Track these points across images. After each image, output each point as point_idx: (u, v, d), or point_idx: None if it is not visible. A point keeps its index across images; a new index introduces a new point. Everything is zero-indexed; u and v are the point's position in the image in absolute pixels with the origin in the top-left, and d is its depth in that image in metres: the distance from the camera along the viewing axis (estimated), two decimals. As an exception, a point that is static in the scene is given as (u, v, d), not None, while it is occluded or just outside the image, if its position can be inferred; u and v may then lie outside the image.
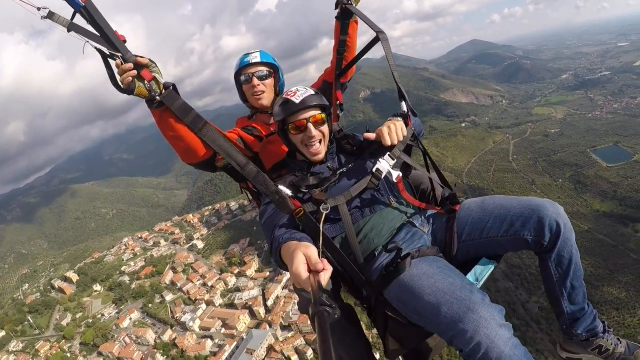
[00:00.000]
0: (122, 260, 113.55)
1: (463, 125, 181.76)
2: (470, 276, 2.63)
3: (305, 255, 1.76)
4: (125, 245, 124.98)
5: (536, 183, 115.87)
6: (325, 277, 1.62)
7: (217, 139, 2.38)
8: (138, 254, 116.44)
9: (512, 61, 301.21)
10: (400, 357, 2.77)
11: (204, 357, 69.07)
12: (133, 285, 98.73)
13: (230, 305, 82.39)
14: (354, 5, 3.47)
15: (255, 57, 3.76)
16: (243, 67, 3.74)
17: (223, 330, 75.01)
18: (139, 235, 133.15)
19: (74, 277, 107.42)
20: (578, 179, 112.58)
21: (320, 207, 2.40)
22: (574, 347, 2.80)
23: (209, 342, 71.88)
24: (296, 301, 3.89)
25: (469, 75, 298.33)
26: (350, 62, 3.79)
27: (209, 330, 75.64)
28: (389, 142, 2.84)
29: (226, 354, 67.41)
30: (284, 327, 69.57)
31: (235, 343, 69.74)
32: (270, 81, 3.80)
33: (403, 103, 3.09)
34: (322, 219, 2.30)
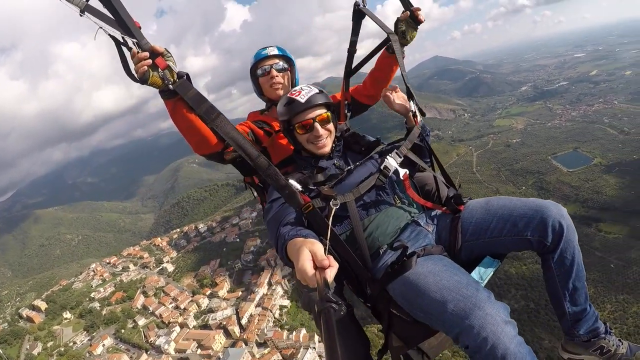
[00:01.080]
0: (91, 286, 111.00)
1: None
2: (474, 275, 2.69)
3: (311, 252, 1.74)
4: (94, 272, 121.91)
5: (500, 192, 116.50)
6: (331, 274, 1.60)
7: (230, 130, 2.27)
8: (107, 279, 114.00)
9: (473, 76, 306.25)
10: (401, 356, 2.78)
11: None
12: (104, 312, 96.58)
13: (205, 326, 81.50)
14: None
15: (273, 50, 3.79)
16: (261, 60, 3.76)
17: (199, 351, 73.87)
18: (107, 261, 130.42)
19: (43, 305, 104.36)
20: (541, 185, 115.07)
21: (330, 203, 2.46)
22: (575, 348, 2.84)
23: None
24: (299, 302, 3.96)
25: (432, 91, 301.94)
26: (361, 62, 3.85)
27: (185, 352, 74.46)
28: (394, 102, 3.20)
29: None
30: (260, 344, 69.33)
31: None
32: (287, 74, 3.82)
33: (412, 103, 3.21)
34: (332, 215, 2.32)
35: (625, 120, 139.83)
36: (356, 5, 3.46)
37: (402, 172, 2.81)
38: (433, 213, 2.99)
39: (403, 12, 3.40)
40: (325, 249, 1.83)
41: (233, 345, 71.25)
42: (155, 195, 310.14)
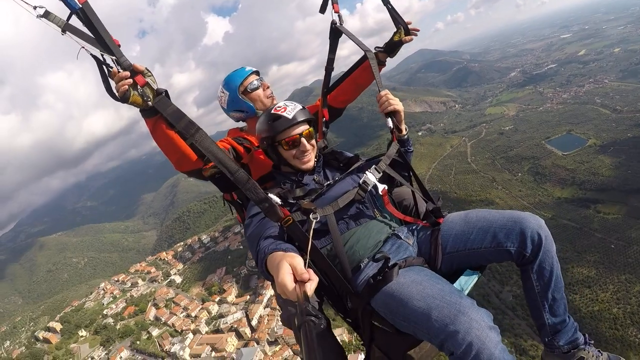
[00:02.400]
0: (103, 304, 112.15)
1: (420, 134, 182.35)
2: (456, 285, 2.70)
3: (291, 266, 1.75)
4: (104, 290, 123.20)
5: (497, 180, 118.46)
6: (311, 288, 1.62)
7: (210, 145, 2.28)
8: (118, 296, 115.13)
9: (460, 66, 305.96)
10: None
11: None
12: (118, 326, 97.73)
13: (217, 331, 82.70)
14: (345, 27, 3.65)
15: (252, 68, 3.91)
16: (249, 76, 3.84)
17: (213, 354, 75.46)
18: (116, 279, 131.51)
19: (58, 326, 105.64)
20: (537, 170, 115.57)
21: (310, 216, 2.46)
22: None
23: None
24: (279, 316, 4.33)
25: (420, 84, 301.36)
26: (338, 80, 3.91)
27: (200, 357, 76.11)
28: (389, 105, 3.24)
29: None
30: (271, 343, 70.43)
31: None
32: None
33: (389, 119, 3.28)
34: (312, 228, 2.32)
35: (617, 99, 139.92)
36: (333, 23, 3.61)
37: (381, 187, 2.91)
38: (413, 226, 3.07)
39: (397, 29, 3.60)
40: (305, 262, 1.83)
41: (245, 345, 72.66)
42: (155, 212, 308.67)
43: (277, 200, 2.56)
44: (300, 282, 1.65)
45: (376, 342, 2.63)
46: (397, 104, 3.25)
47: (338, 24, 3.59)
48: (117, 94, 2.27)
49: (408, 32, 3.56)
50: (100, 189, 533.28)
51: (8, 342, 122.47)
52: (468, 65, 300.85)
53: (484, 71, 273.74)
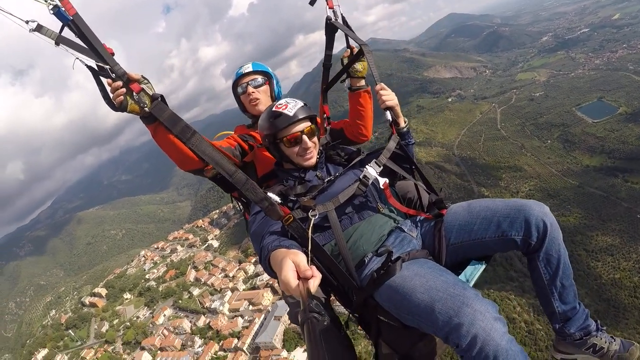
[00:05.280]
0: (144, 270, 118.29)
1: (449, 100, 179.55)
2: (461, 277, 2.66)
3: (294, 263, 1.73)
4: (144, 257, 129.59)
5: (526, 147, 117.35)
6: (314, 284, 1.59)
7: (206, 148, 2.23)
8: (158, 262, 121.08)
9: (490, 30, 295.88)
10: None
11: (237, 333, 75.12)
12: (160, 288, 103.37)
13: (253, 288, 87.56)
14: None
15: (248, 68, 3.84)
16: (238, 79, 3.83)
17: (251, 307, 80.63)
18: (156, 246, 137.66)
19: (103, 291, 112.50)
20: (566, 138, 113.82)
21: (309, 214, 2.44)
22: (568, 348, 2.83)
23: (240, 320, 77.59)
24: (287, 312, 4.46)
25: (450, 50, 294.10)
26: (337, 75, 3.75)
27: (238, 311, 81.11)
28: (387, 100, 3.21)
29: (257, 326, 73.86)
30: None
31: (263, 316, 75.39)
32: (265, 88, 3.84)
33: (388, 112, 3.23)
34: (311, 225, 2.28)
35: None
36: (328, 19, 3.50)
37: (382, 181, 2.84)
38: (417, 219, 2.99)
39: (345, 51, 3.59)
40: (307, 259, 1.82)
41: (280, 299, 75.72)
42: (189, 183, 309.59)
43: (277, 199, 2.59)
44: (303, 279, 1.63)
45: (383, 336, 2.64)
46: (390, 99, 3.26)
47: (333, 20, 3.51)
48: (114, 103, 2.29)
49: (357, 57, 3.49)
50: (135, 163, 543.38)
51: (54, 310, 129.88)
52: (499, 29, 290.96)
53: (515, 35, 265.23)
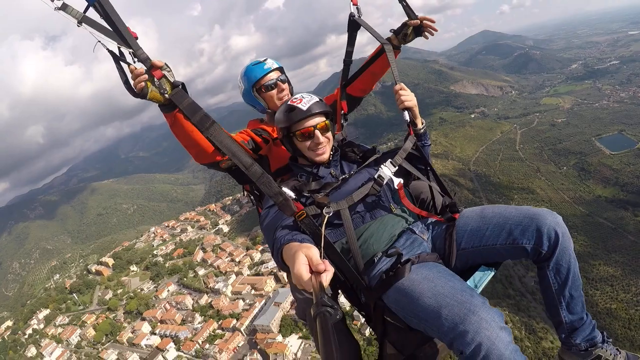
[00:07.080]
0: (153, 246, 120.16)
1: (472, 116, 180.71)
2: (469, 283, 2.70)
3: (307, 257, 1.69)
4: (154, 233, 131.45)
5: (541, 171, 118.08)
6: (327, 278, 1.56)
7: (224, 139, 2.20)
8: (167, 239, 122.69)
9: (522, 52, 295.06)
10: None
11: (237, 314, 76.96)
12: (167, 264, 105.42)
13: (257, 274, 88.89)
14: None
15: (273, 64, 3.77)
16: (266, 74, 3.72)
17: (253, 292, 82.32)
18: (166, 224, 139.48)
19: (110, 261, 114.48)
20: (582, 166, 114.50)
21: (323, 211, 2.43)
22: (572, 358, 2.79)
23: (241, 302, 79.81)
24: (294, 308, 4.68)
25: (479, 66, 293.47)
26: (356, 73, 3.74)
27: (241, 294, 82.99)
28: (405, 100, 3.15)
29: (257, 310, 75.91)
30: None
31: (264, 301, 77.17)
32: (288, 84, 3.82)
33: (406, 112, 3.17)
34: (324, 222, 2.30)
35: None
36: (351, 16, 3.46)
37: (397, 181, 2.82)
38: (428, 221, 2.98)
39: (410, 20, 3.42)
40: (320, 254, 1.81)
41: (282, 287, 78.21)
42: (205, 167, 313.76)
43: (291, 194, 2.59)
44: (316, 272, 1.60)
45: (388, 337, 2.66)
46: (409, 100, 3.18)
47: (356, 17, 3.47)
48: (135, 89, 2.29)
49: (419, 32, 3.44)
50: (154, 141, 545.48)
51: (58, 275, 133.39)
52: (530, 51, 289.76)
53: (545, 59, 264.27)
